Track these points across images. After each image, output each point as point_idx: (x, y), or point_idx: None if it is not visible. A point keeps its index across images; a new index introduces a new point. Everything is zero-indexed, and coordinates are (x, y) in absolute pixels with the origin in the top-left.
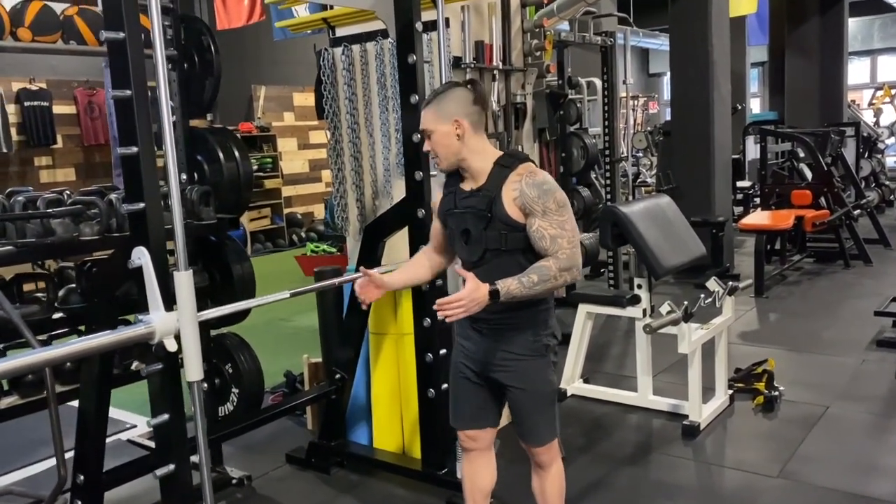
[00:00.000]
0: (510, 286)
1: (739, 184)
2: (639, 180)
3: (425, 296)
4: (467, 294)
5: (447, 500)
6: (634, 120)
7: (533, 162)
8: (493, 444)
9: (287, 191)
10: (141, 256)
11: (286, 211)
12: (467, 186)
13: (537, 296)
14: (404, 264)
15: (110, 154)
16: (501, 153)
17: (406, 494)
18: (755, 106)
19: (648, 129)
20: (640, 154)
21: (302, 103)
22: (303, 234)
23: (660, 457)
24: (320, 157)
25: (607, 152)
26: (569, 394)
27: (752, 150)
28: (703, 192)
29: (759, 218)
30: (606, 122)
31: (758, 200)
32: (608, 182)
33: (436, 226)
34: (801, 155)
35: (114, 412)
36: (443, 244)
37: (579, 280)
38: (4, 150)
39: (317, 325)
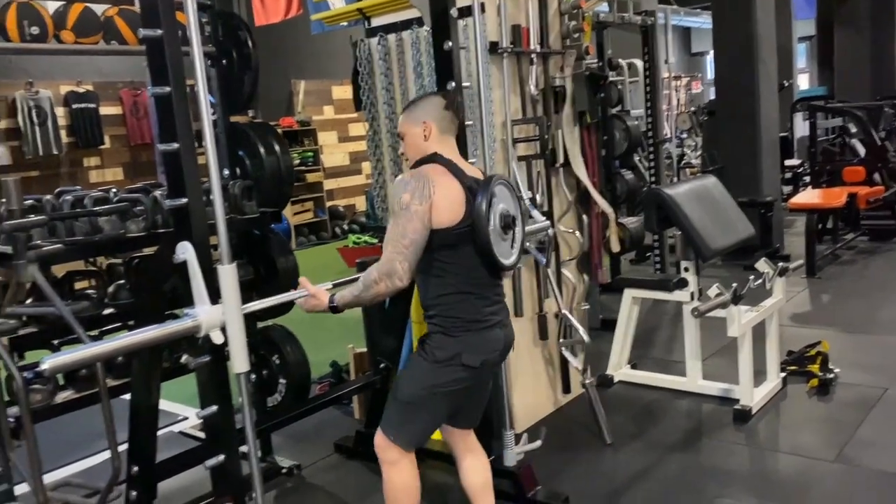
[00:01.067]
0: (343, 293)
1: (788, 162)
2: (683, 162)
3: None
4: (302, 301)
5: (495, 487)
6: (678, 101)
7: (446, 164)
8: (539, 434)
9: (329, 184)
10: (185, 251)
11: (328, 204)
12: None
13: (367, 302)
14: None
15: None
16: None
17: (454, 482)
18: (803, 82)
19: (692, 109)
20: (685, 135)
21: (341, 96)
22: (345, 227)
23: (711, 442)
24: (360, 149)
25: (650, 134)
26: (616, 380)
27: (801, 128)
28: (751, 172)
29: (809, 196)
30: (649, 104)
31: (807, 179)
32: (652, 165)
33: None
34: (853, 130)
35: (165, 404)
36: None
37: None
38: (55, 152)
39: (360, 316)
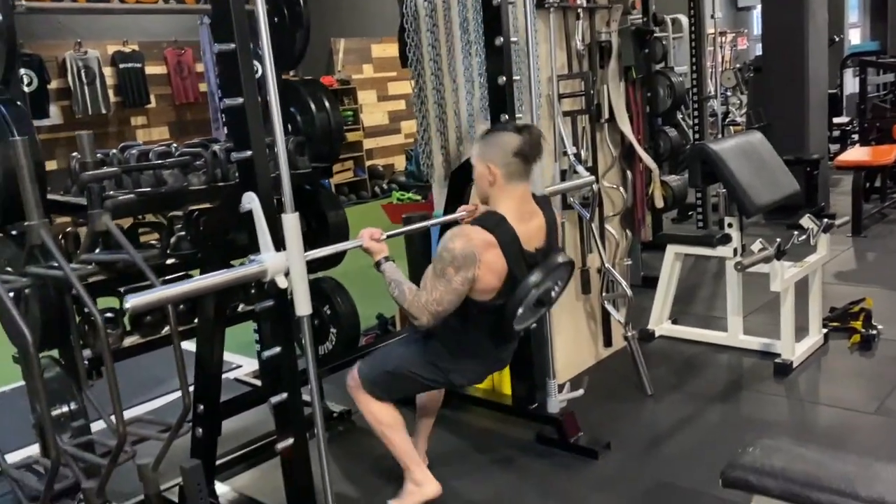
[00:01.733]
0: (392, 272)
1: (836, 120)
2: (728, 120)
3: None
4: (368, 232)
5: (537, 433)
6: (723, 57)
7: (500, 231)
8: (581, 383)
9: (368, 143)
10: (251, 201)
11: (368, 163)
12: None
13: (393, 297)
14: None
15: (201, 112)
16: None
17: (497, 427)
18: (854, 37)
19: (738, 66)
20: (730, 93)
21: (380, 55)
22: (384, 186)
23: (751, 394)
24: (399, 108)
25: (694, 91)
26: (657, 335)
27: (851, 84)
28: (797, 130)
29: (857, 154)
30: (694, 60)
31: (856, 137)
32: (696, 122)
33: None
34: None
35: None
36: None
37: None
38: (104, 111)
39: (406, 271)
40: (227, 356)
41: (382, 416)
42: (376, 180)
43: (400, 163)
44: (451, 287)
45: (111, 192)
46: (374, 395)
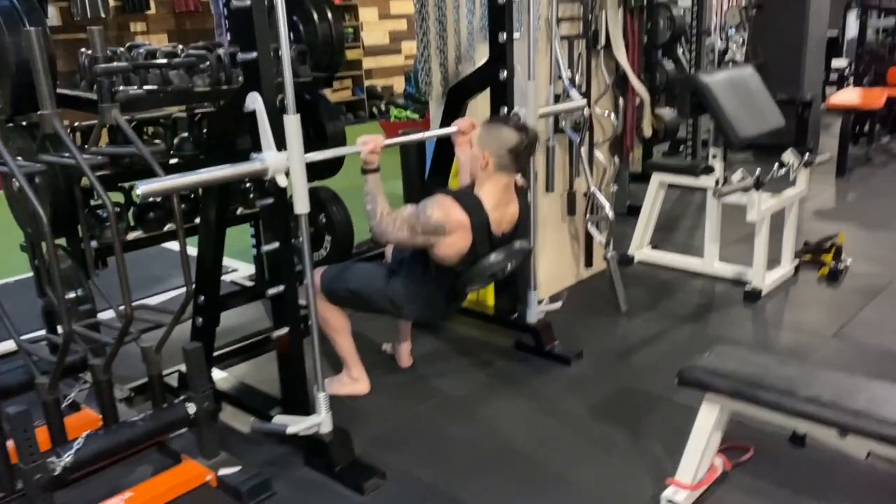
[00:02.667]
0: (375, 190)
1: (835, 63)
2: (728, 57)
3: None
4: (372, 142)
5: (516, 340)
6: None
7: (477, 214)
8: (560, 297)
9: (367, 63)
10: (255, 101)
11: (367, 83)
12: None
13: (366, 209)
14: None
15: (201, 20)
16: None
17: (480, 335)
18: None
19: (743, 4)
20: (732, 30)
21: None
22: (382, 107)
23: (719, 316)
24: (401, 28)
25: (694, 25)
26: (636, 259)
27: (853, 28)
28: (793, 69)
29: (848, 96)
30: None
31: (853, 80)
32: (693, 57)
33: None
34: None
35: None
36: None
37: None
38: (103, 15)
39: (400, 192)
40: (225, 260)
41: (333, 322)
42: (374, 101)
43: (399, 84)
44: (412, 240)
45: (120, 88)
46: (329, 300)
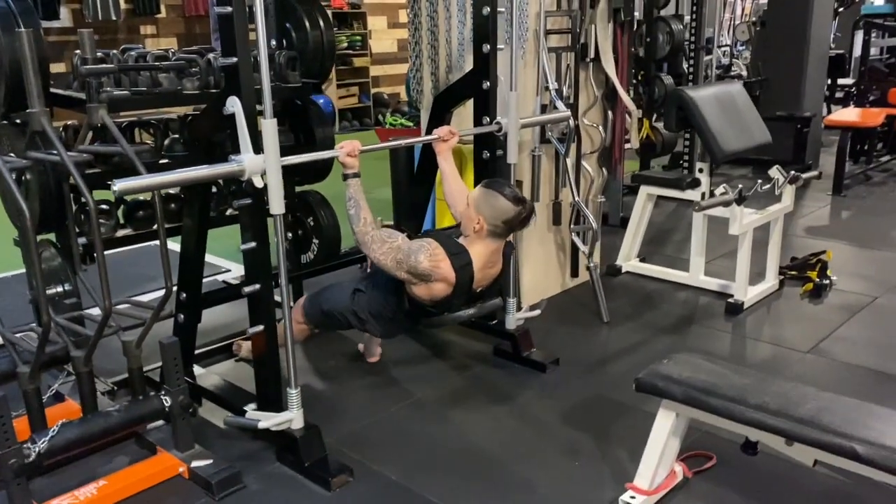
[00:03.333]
0: (355, 191)
1: (841, 81)
2: (731, 72)
3: (487, 165)
4: (349, 145)
5: (494, 346)
6: (742, 9)
7: (464, 270)
8: (539, 305)
9: (375, 70)
10: (234, 105)
11: (373, 90)
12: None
13: (347, 213)
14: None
15: (209, 25)
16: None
17: (458, 340)
18: None
19: (754, 19)
20: (742, 47)
21: None
22: (388, 114)
23: (700, 328)
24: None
25: (692, 40)
26: (623, 270)
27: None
28: (794, 86)
29: (847, 114)
30: (694, 8)
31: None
32: (690, 72)
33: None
34: None
35: (211, 258)
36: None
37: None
38: (114, 17)
39: (390, 198)
40: (217, 260)
41: (297, 333)
42: (380, 108)
43: (405, 93)
44: (394, 272)
45: (109, 89)
46: (305, 322)
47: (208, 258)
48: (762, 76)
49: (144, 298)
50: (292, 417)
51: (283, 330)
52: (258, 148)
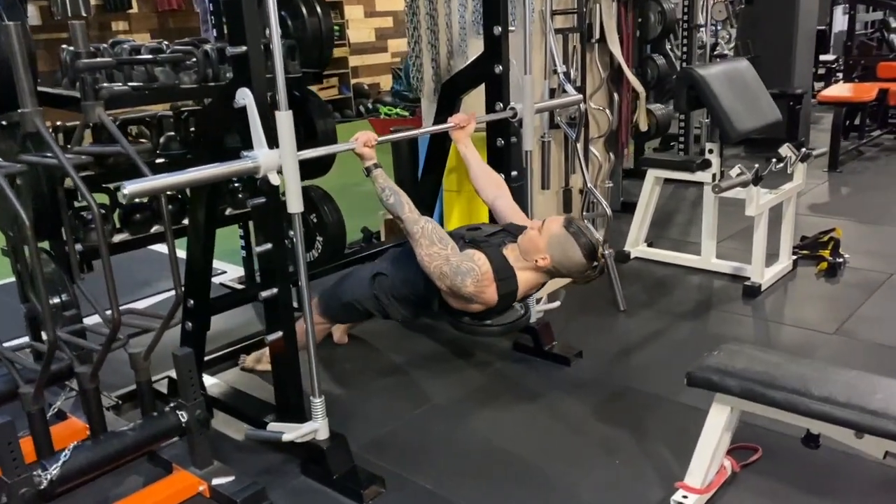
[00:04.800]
0: (382, 180)
1: (823, 57)
2: (716, 52)
3: (502, 153)
4: (364, 136)
5: (514, 341)
6: None
7: (501, 291)
8: (558, 296)
9: (354, 60)
10: (245, 97)
11: (353, 81)
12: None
13: (383, 203)
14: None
15: (184, 19)
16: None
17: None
18: None
19: None
20: (719, 26)
21: None
22: (369, 105)
23: (719, 313)
24: (387, 26)
25: (685, 20)
26: (632, 256)
27: (840, 22)
28: (784, 63)
29: (839, 90)
30: None
31: (841, 75)
32: (684, 52)
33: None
34: (894, 25)
35: None
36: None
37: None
38: (84, 14)
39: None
40: (213, 262)
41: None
42: (361, 99)
43: (386, 82)
44: (433, 276)
45: (104, 85)
46: (325, 319)
47: None
48: (752, 54)
49: (142, 304)
50: (317, 428)
51: (302, 334)
52: (272, 142)
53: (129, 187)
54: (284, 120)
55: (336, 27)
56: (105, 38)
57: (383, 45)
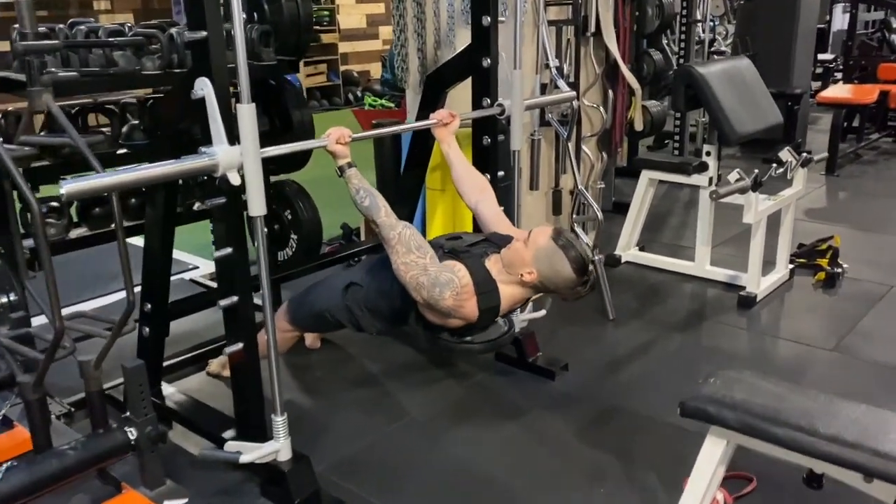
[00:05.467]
0: (356, 180)
1: (821, 56)
2: (713, 48)
3: (488, 152)
4: (337, 132)
5: (499, 353)
6: None
7: (481, 307)
8: (543, 304)
9: (343, 47)
10: (204, 87)
11: (342, 68)
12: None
13: (358, 206)
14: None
15: (167, 0)
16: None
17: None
18: None
19: None
20: (716, 21)
21: None
22: (359, 93)
23: (712, 324)
24: (378, 12)
25: (684, 14)
26: (623, 260)
27: (839, 21)
28: (783, 62)
29: (839, 91)
30: None
31: (839, 75)
32: (682, 47)
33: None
34: (895, 25)
35: (177, 253)
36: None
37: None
38: None
39: (375, 182)
40: (185, 257)
41: (281, 343)
42: (350, 87)
43: (376, 70)
44: (409, 287)
45: (54, 70)
46: (294, 328)
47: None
48: (750, 51)
49: (109, 300)
50: (278, 448)
51: (264, 345)
52: (233, 138)
53: (67, 188)
54: (247, 113)
55: (326, 12)
56: (86, 17)
57: (374, 32)
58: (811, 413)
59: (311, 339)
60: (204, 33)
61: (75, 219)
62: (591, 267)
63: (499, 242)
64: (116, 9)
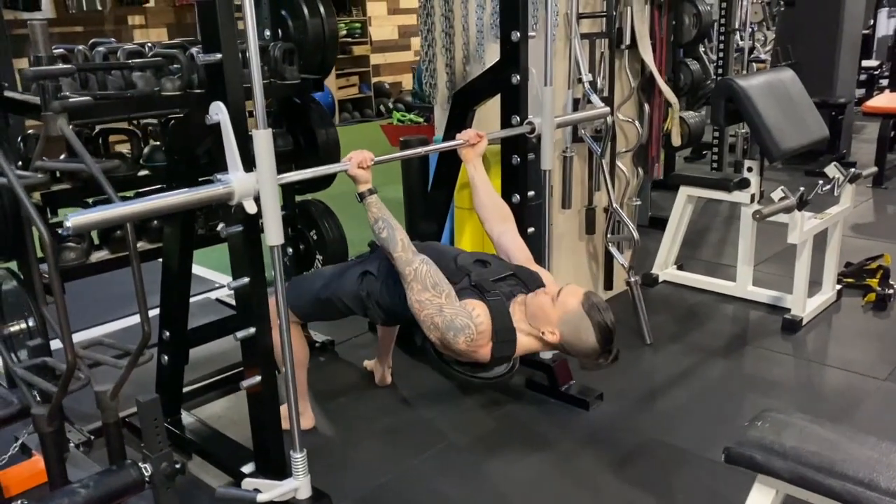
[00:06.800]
0: (376, 209)
1: (865, 63)
2: (752, 56)
3: (517, 172)
4: (358, 156)
5: (527, 378)
6: None
7: (495, 354)
8: None
9: (375, 58)
10: (218, 112)
11: (374, 80)
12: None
13: (376, 235)
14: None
15: None
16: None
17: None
18: None
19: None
20: (755, 27)
21: None
22: (390, 105)
23: (756, 350)
24: (411, 23)
25: (722, 23)
26: (660, 280)
27: (885, 26)
28: (826, 71)
29: (886, 100)
30: None
31: (884, 82)
32: (721, 56)
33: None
34: None
35: (203, 272)
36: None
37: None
38: (99, 8)
39: (401, 197)
40: (210, 275)
41: (296, 354)
42: (382, 98)
43: (408, 82)
44: (422, 324)
45: (68, 95)
46: (296, 315)
47: (197, 271)
48: (791, 60)
49: (133, 321)
50: (297, 486)
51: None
52: (249, 164)
53: (73, 220)
54: (263, 139)
55: (357, 24)
56: (121, 32)
57: (406, 43)
58: (871, 464)
59: (379, 374)
60: (219, 56)
61: (96, 241)
62: (615, 337)
63: (526, 281)
64: (150, 24)
